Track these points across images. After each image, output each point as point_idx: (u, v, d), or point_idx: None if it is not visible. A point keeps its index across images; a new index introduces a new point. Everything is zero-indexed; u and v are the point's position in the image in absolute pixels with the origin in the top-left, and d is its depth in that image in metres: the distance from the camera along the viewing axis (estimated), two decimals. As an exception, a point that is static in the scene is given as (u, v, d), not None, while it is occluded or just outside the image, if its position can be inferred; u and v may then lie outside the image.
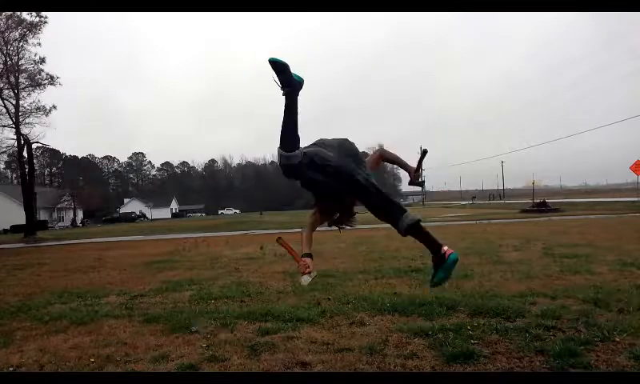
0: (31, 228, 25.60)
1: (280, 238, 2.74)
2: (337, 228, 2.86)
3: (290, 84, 2.33)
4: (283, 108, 2.37)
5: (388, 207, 2.51)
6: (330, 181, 2.44)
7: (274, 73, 2.32)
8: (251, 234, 17.64)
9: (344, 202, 2.74)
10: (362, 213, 2.82)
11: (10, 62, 24.03)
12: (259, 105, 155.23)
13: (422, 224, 2.49)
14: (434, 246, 2.53)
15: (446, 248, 2.51)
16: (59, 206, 53.96)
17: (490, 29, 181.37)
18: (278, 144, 2.37)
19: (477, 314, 3.67)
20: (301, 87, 2.39)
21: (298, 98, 2.37)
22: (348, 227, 2.86)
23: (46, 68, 25.13)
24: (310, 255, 2.56)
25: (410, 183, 2.87)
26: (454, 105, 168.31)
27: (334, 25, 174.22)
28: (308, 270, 2.48)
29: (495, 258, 7.03)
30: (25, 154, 25.54)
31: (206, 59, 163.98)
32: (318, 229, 2.80)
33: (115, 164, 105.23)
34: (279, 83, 2.33)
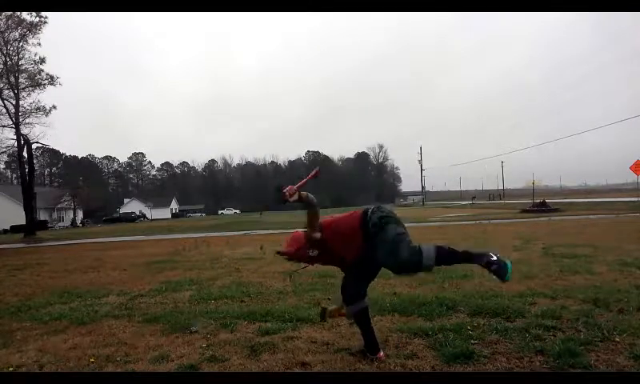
0: (31, 228, 25.65)
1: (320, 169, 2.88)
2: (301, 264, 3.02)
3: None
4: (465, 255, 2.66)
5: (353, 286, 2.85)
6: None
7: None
8: (251, 234, 17.64)
9: (340, 260, 2.92)
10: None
11: (10, 62, 24.07)
12: (259, 105, 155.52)
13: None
14: (371, 346, 2.82)
15: (381, 354, 2.81)
16: (59, 206, 53.93)
17: (490, 29, 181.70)
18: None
19: (477, 314, 3.67)
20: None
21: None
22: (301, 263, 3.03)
23: (46, 68, 25.19)
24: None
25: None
26: (454, 105, 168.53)
27: (334, 25, 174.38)
28: (291, 197, 2.56)
29: (495, 258, 7.02)
30: (25, 153, 25.57)
31: (206, 59, 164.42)
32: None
33: (115, 164, 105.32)
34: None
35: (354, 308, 2.84)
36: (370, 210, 2.74)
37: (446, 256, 2.64)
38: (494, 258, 2.58)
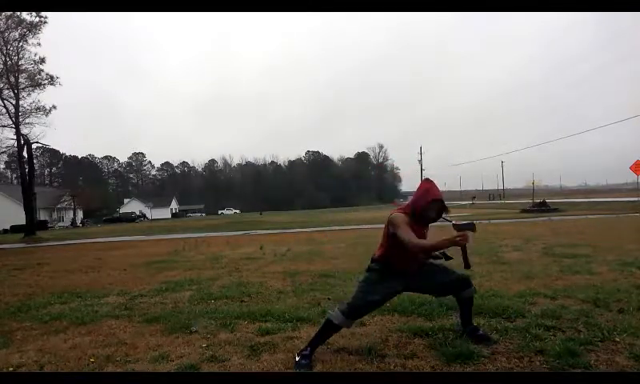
0: (31, 228, 25.59)
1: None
2: None
3: None
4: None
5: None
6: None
7: None
8: (251, 234, 17.63)
9: None
10: None
11: (10, 62, 24.04)
12: (259, 105, 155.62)
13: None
14: (307, 352, 2.84)
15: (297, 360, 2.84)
16: (59, 206, 53.93)
17: (490, 29, 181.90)
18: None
19: (477, 314, 3.66)
20: None
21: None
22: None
23: (46, 68, 25.16)
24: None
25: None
26: (454, 105, 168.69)
27: (334, 25, 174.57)
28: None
29: (495, 258, 7.03)
30: (25, 153, 25.53)
31: (206, 59, 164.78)
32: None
33: (115, 164, 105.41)
34: None
35: (339, 316, 2.86)
36: None
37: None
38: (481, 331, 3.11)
